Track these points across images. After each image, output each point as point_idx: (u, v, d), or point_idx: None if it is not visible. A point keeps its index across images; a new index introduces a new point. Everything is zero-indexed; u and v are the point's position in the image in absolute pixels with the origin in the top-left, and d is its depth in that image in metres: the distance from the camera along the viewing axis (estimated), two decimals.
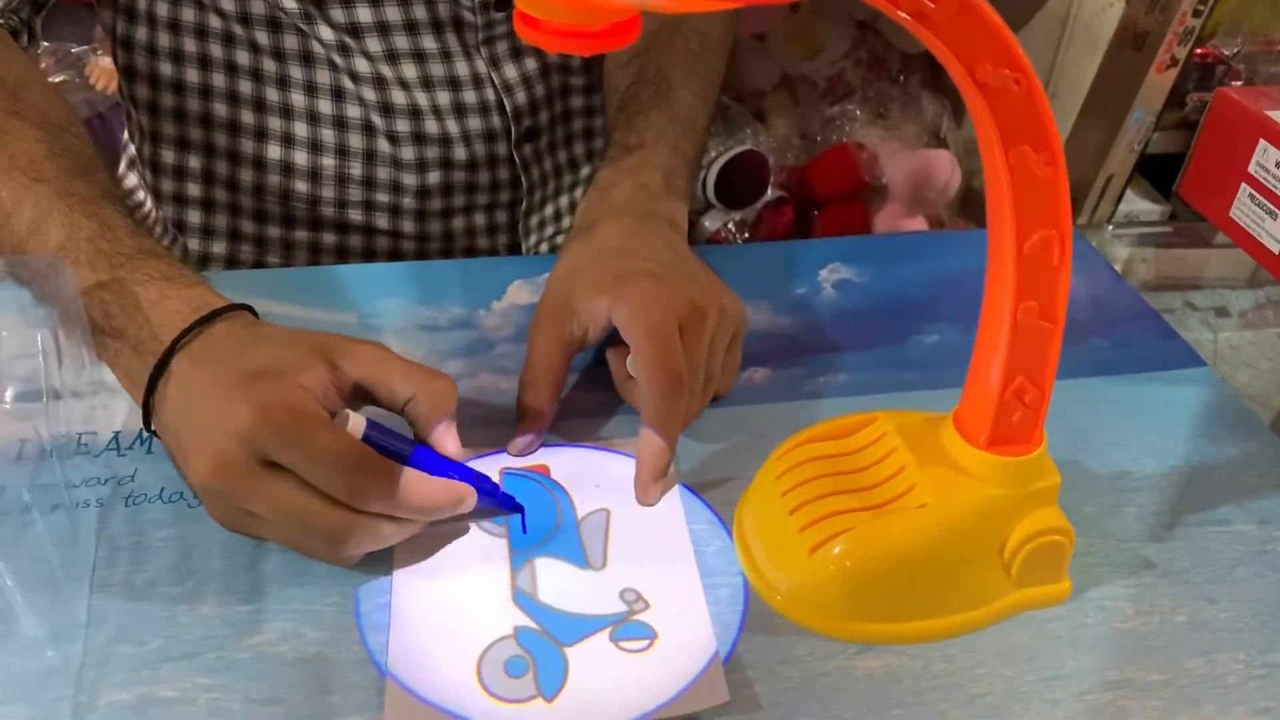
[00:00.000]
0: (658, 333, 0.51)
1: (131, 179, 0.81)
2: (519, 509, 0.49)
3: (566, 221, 0.83)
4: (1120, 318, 0.65)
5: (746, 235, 1.43)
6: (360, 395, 0.47)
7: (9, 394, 0.46)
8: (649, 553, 0.48)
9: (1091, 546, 0.49)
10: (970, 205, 1.50)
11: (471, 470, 0.48)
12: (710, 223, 1.41)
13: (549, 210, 0.81)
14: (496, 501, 0.49)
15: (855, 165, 1.41)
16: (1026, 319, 0.41)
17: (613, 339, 0.55)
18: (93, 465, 0.51)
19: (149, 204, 0.79)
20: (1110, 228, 1.43)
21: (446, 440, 0.48)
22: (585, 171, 0.82)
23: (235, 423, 0.42)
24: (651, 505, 0.51)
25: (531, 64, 0.73)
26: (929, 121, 1.47)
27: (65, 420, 0.48)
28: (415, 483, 0.45)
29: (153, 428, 0.47)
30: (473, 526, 0.49)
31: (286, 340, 0.47)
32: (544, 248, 0.82)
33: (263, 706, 0.41)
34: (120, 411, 0.53)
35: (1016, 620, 0.46)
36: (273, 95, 0.71)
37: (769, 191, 1.41)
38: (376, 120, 0.71)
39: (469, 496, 0.47)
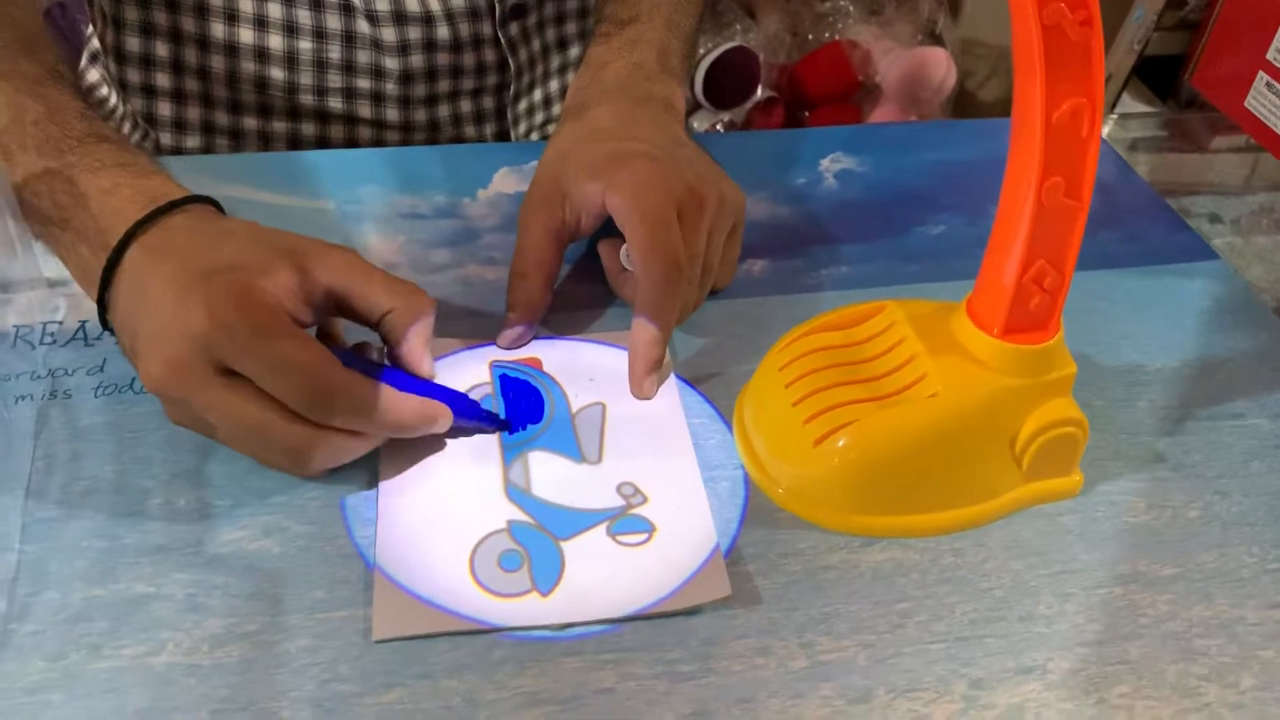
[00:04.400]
0: (654, 218, 0.48)
1: (94, 74, 0.76)
2: (504, 426, 0.47)
3: (557, 108, 0.79)
4: (1130, 209, 0.63)
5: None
6: (329, 306, 0.44)
7: None
8: (646, 446, 0.46)
9: (1102, 440, 0.48)
10: (964, 106, 1.46)
11: (448, 390, 0.46)
12: (698, 123, 1.37)
13: (538, 95, 0.78)
14: (477, 418, 0.46)
15: (848, 64, 1.37)
16: (1051, 196, 0.38)
17: (604, 231, 0.52)
18: (27, 360, 0.48)
19: (114, 99, 0.75)
20: (1108, 126, 1.40)
21: (423, 359, 0.45)
22: (576, 52, 0.78)
23: (189, 324, 0.39)
24: (647, 399, 0.49)
25: None
26: (924, 19, 1.42)
27: None
28: (386, 398, 0.42)
29: (109, 324, 0.44)
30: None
31: (252, 237, 0.44)
32: (534, 136, 0.79)
33: (246, 601, 0.39)
34: (64, 304, 0.50)
35: (1026, 514, 0.45)
36: None
37: (759, 91, 1.37)
38: None
39: (443, 416, 0.44)
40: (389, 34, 0.69)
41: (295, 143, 0.73)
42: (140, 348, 0.41)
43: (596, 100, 0.55)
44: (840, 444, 0.43)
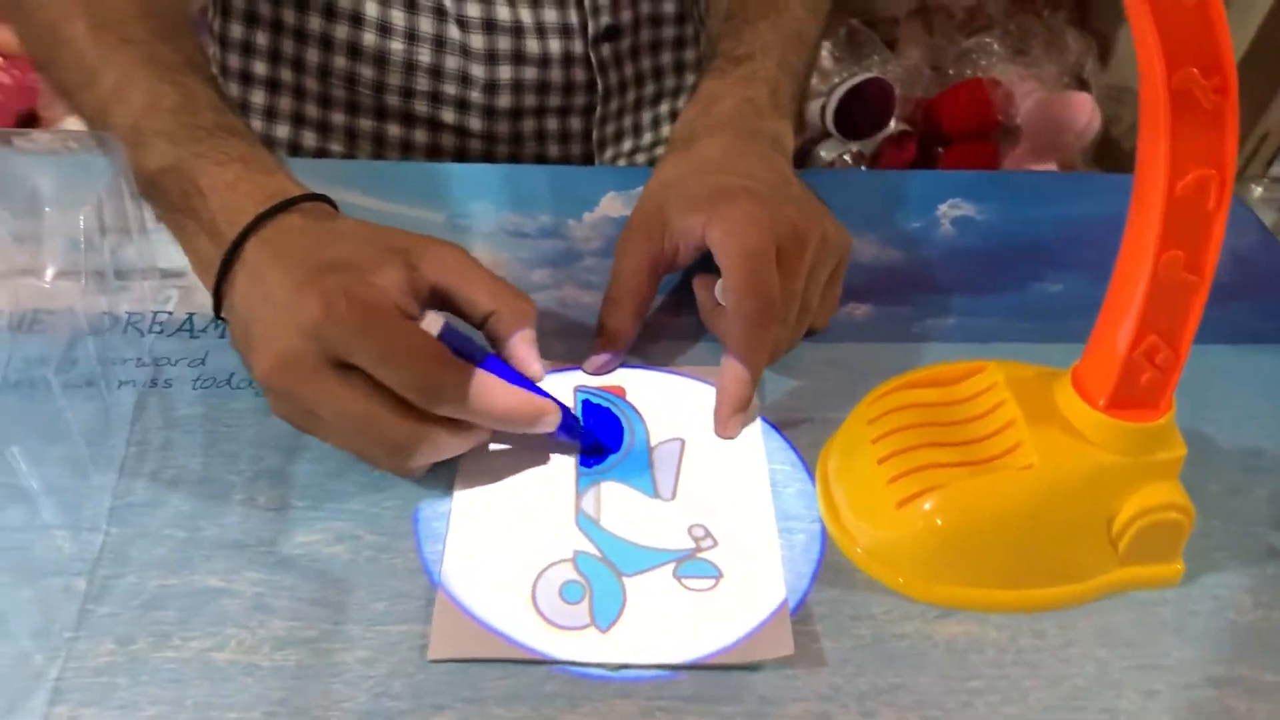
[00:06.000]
0: (752, 255, 0.47)
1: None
2: (603, 449, 0.46)
3: (647, 137, 0.79)
4: (1268, 282, 0.59)
5: (864, 169, 1.36)
6: (436, 303, 0.45)
7: (49, 272, 0.45)
8: (723, 488, 0.45)
9: (1212, 529, 0.45)
10: (1106, 155, 1.41)
11: (553, 397, 0.45)
12: (826, 152, 1.35)
13: (627, 122, 0.77)
14: (575, 435, 0.46)
15: (988, 102, 1.34)
16: (1169, 270, 0.36)
17: (701, 266, 0.52)
18: (134, 347, 0.49)
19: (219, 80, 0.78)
20: (1260, 188, 1.33)
21: (531, 361, 0.45)
22: (671, 84, 0.77)
23: (303, 317, 0.40)
24: (730, 439, 0.48)
25: None
26: (1072, 62, 1.37)
27: (109, 301, 0.47)
28: (494, 388, 0.42)
29: (222, 314, 0.46)
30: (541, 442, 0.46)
31: (363, 236, 0.45)
32: (621, 163, 0.78)
33: (310, 606, 0.40)
34: (176, 295, 0.52)
35: (1119, 600, 0.42)
36: None
37: (892, 123, 1.34)
38: (448, 3, 0.68)
39: (550, 414, 0.44)
40: (477, 41, 0.69)
41: (380, 143, 0.75)
42: (254, 340, 0.42)
43: (706, 133, 0.54)
44: (926, 507, 0.41)
